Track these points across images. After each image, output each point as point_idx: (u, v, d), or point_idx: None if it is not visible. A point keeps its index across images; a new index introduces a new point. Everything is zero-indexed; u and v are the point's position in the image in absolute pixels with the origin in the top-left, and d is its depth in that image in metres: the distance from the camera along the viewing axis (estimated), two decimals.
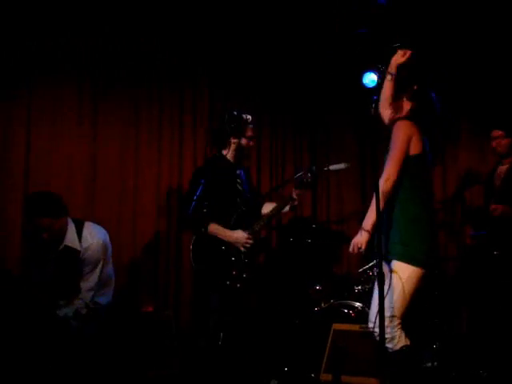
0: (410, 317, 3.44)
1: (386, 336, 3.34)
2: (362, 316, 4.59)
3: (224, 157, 4.58)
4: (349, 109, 6.38)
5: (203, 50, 5.77)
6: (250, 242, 4.43)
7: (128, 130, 5.45)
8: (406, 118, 3.52)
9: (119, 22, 5.30)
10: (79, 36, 5.20)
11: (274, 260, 5.89)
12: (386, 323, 3.32)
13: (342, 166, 5.06)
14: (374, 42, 5.51)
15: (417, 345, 3.47)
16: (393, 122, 3.55)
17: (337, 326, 4.42)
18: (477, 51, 5.58)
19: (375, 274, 4.78)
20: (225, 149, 4.56)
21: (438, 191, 5.67)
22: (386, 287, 3.35)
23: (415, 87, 3.61)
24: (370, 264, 4.92)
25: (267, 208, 4.67)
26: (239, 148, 4.54)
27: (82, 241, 4.07)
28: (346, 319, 4.64)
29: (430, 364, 4.14)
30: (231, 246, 4.43)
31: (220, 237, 4.40)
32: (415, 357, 3.44)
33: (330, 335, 4.39)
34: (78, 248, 4.04)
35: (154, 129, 5.59)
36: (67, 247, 4.04)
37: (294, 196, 4.54)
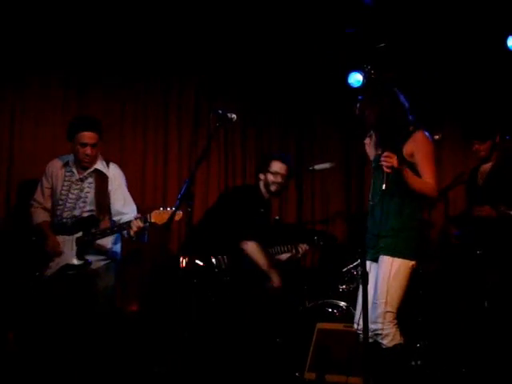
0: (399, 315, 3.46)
1: (381, 332, 3.36)
2: (346, 315, 4.61)
3: None
4: (334, 109, 6.40)
5: (190, 49, 5.75)
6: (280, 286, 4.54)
7: (113, 127, 5.43)
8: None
9: (105, 20, 5.27)
10: (65, 32, 5.15)
11: None
12: (381, 319, 3.36)
13: (327, 165, 5.08)
14: (360, 42, 5.53)
15: (409, 343, 3.49)
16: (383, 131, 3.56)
17: (321, 325, 4.44)
18: (459, 52, 5.62)
19: (360, 273, 4.83)
20: None
21: None
22: (373, 284, 3.39)
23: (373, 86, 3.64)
24: (355, 263, 4.94)
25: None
26: None
27: (110, 169, 4.29)
28: (331, 318, 4.66)
29: (414, 362, 4.16)
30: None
31: (259, 262, 4.54)
32: (406, 356, 3.45)
33: (315, 334, 4.40)
34: (107, 173, 4.26)
35: (139, 127, 5.58)
36: (98, 170, 4.23)
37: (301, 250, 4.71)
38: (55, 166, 4.30)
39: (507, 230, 4.56)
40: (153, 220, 3.97)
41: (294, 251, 4.67)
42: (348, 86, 5.72)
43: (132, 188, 5.38)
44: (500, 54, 5.26)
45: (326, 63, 6.04)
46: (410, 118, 3.56)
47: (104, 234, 4.13)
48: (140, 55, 5.55)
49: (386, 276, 3.39)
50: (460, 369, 4.36)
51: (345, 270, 5.05)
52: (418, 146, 3.47)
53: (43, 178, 4.31)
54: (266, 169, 4.69)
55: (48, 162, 4.43)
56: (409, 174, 3.40)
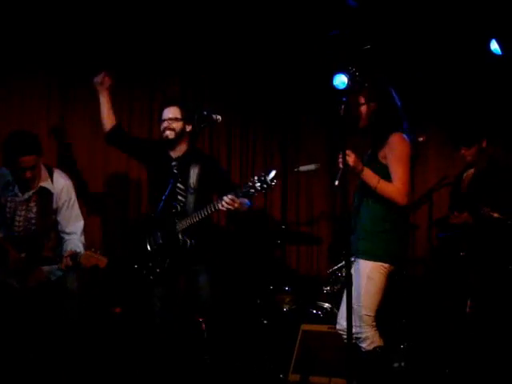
0: (379, 317, 3.46)
1: (360, 335, 3.36)
2: (331, 316, 4.62)
3: None
4: (319, 110, 6.42)
5: (175, 49, 5.73)
6: None
7: (97, 129, 5.39)
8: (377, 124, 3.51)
9: (89, 20, 5.23)
10: (50, 32, 5.10)
11: (241, 260, 5.89)
12: (359, 323, 3.35)
13: (312, 166, 5.07)
14: (345, 44, 5.55)
15: (388, 346, 3.49)
16: (374, 131, 3.54)
17: (305, 327, 4.44)
18: (444, 54, 5.65)
19: (344, 274, 4.85)
20: None
21: None
22: (354, 287, 3.38)
23: (366, 84, 3.60)
24: (339, 265, 4.95)
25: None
26: None
27: (54, 182, 4.06)
28: (315, 320, 4.66)
29: (397, 364, 4.17)
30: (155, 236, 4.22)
31: None
32: (386, 358, 3.45)
33: (299, 335, 4.40)
34: (52, 190, 4.04)
35: (124, 127, 5.53)
36: (42, 188, 4.02)
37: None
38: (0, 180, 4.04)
39: (490, 233, 4.60)
40: (82, 262, 3.79)
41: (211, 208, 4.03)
42: (333, 88, 5.73)
43: (116, 191, 5.41)
44: (483, 56, 5.29)
45: (311, 65, 6.04)
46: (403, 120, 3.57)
47: (42, 263, 3.98)
48: (124, 55, 5.50)
49: (361, 279, 3.37)
50: (443, 370, 4.38)
51: (329, 271, 5.06)
52: (391, 147, 3.45)
53: None
54: (159, 118, 4.34)
55: None
56: (367, 177, 3.39)
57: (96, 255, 3.79)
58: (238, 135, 6.24)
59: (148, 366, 4.41)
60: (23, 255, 3.94)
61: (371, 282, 3.38)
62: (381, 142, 3.50)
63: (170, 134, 4.20)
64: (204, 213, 4.03)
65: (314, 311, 4.80)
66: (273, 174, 3.77)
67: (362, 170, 3.38)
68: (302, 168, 5.06)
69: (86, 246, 4.09)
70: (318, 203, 6.57)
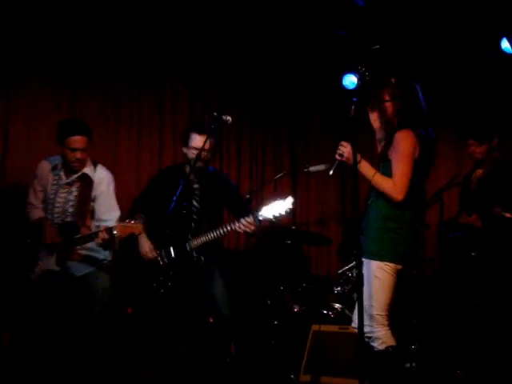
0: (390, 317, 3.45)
1: (371, 335, 3.34)
2: (342, 317, 4.61)
3: None
4: (329, 110, 6.41)
5: (184, 51, 5.75)
6: (152, 256, 4.30)
7: (107, 131, 5.42)
8: (400, 122, 3.47)
9: (99, 21, 5.26)
10: (59, 33, 5.14)
11: (252, 261, 5.90)
12: (370, 322, 3.33)
13: (322, 167, 5.07)
14: (354, 44, 5.53)
15: (401, 346, 3.47)
16: (387, 129, 3.50)
17: (316, 327, 4.43)
18: (454, 53, 5.63)
19: (354, 275, 4.84)
20: None
21: None
22: (364, 287, 3.38)
23: (393, 79, 3.57)
24: (350, 265, 4.95)
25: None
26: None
27: (96, 172, 4.27)
28: (326, 320, 4.66)
29: (408, 365, 4.16)
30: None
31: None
32: (399, 358, 3.43)
33: (310, 336, 4.39)
34: (93, 178, 4.24)
35: (134, 129, 5.57)
36: (85, 174, 4.21)
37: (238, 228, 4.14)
38: (44, 169, 4.27)
39: (502, 233, 4.57)
40: (117, 233, 3.96)
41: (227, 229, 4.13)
42: (343, 88, 5.72)
43: (126, 191, 5.43)
44: (494, 55, 5.27)
45: (321, 65, 6.04)
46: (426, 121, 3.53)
47: (79, 242, 4.11)
48: (134, 56, 5.54)
49: (368, 279, 3.35)
50: (454, 371, 4.36)
51: (340, 271, 5.06)
52: (394, 144, 3.40)
53: (34, 181, 4.28)
54: (186, 142, 4.36)
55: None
56: (364, 169, 3.36)
57: (129, 224, 3.97)
58: (248, 136, 6.25)
59: (160, 366, 4.44)
60: (61, 239, 4.09)
61: (378, 282, 3.36)
62: (390, 139, 3.47)
63: (200, 164, 4.22)
64: (219, 232, 4.16)
65: (325, 311, 4.79)
66: (290, 202, 3.89)
67: (359, 162, 3.35)
68: (312, 168, 5.06)
69: None
70: (328, 204, 6.56)
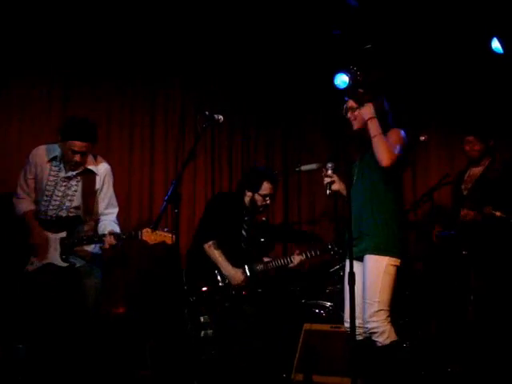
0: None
1: (377, 330, 3.40)
2: (333, 316, 4.62)
3: None
4: (321, 109, 6.42)
5: (176, 50, 5.74)
6: (243, 285, 4.52)
7: (99, 127, 5.38)
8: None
9: (91, 22, 5.25)
10: (52, 32, 5.12)
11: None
12: (376, 318, 3.40)
13: (313, 166, 5.07)
14: (346, 43, 5.55)
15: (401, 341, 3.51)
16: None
17: (308, 326, 4.44)
18: (445, 54, 5.65)
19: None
20: None
21: (408, 192, 5.73)
22: (361, 283, 3.42)
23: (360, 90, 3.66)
24: (341, 264, 4.95)
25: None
26: None
27: (98, 165, 4.21)
28: (317, 319, 4.66)
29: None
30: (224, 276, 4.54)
31: (219, 265, 4.47)
32: (403, 352, 3.47)
33: (302, 335, 4.40)
34: (96, 171, 4.17)
35: (126, 127, 5.56)
36: (87, 169, 4.14)
37: (295, 261, 4.59)
38: (40, 156, 4.12)
39: (492, 232, 4.60)
40: (144, 238, 3.92)
41: (285, 261, 4.60)
42: (334, 88, 5.73)
43: (118, 188, 5.41)
44: (485, 55, 5.30)
45: (313, 65, 6.05)
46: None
47: (88, 241, 4.08)
48: (126, 55, 5.53)
49: (377, 275, 3.43)
50: (445, 368, 4.38)
51: (332, 270, 5.06)
52: (389, 134, 3.52)
53: (27, 168, 4.14)
54: (256, 188, 4.60)
55: None
56: (373, 126, 3.47)
57: (159, 232, 3.90)
58: (240, 135, 6.25)
59: (154, 365, 4.44)
60: (64, 234, 4.03)
61: (389, 278, 3.43)
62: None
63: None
64: (279, 263, 4.62)
65: (317, 310, 4.80)
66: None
67: (371, 119, 3.48)
68: (304, 167, 5.05)
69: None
70: (319, 203, 6.57)
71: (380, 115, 3.54)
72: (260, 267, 4.60)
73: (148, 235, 3.91)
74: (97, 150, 5.27)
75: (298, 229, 6.06)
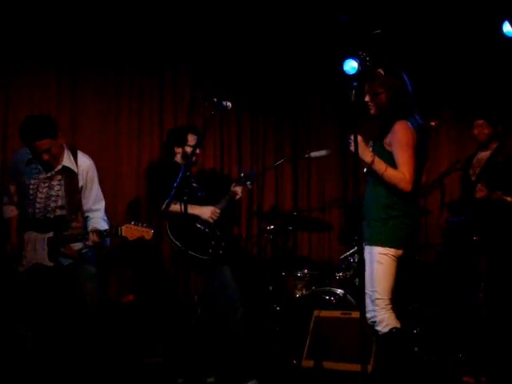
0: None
1: (375, 319, 3.41)
2: (343, 302, 4.62)
3: None
4: (330, 96, 6.39)
5: (184, 38, 5.72)
6: (217, 212, 4.54)
7: (108, 114, 5.41)
8: (394, 113, 3.52)
9: (100, 10, 5.23)
10: (60, 21, 5.11)
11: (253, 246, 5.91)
12: (372, 307, 3.40)
13: (323, 152, 5.07)
14: (355, 29, 5.50)
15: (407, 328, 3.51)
16: (384, 118, 3.55)
17: (318, 313, 4.45)
18: (455, 38, 5.60)
19: (356, 260, 4.84)
20: None
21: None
22: (366, 273, 3.41)
23: (381, 70, 3.58)
24: (351, 251, 4.95)
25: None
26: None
27: (78, 162, 4.13)
28: (328, 306, 4.67)
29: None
30: (202, 222, 4.53)
31: (186, 212, 4.30)
32: (404, 339, 3.46)
33: (312, 322, 4.41)
34: (75, 169, 4.10)
35: (134, 113, 5.55)
36: (65, 167, 4.08)
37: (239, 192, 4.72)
38: (20, 161, 4.09)
39: (503, 217, 4.58)
40: (124, 234, 3.89)
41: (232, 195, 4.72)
42: (343, 73, 5.70)
43: (127, 176, 5.44)
44: (497, 39, 5.24)
45: (322, 50, 6.01)
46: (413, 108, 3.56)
47: (73, 240, 4.05)
48: (134, 43, 5.51)
49: (371, 265, 3.44)
50: (457, 355, 4.37)
51: (342, 257, 5.06)
52: (393, 135, 3.48)
53: (9, 173, 4.19)
54: (183, 142, 4.72)
55: None
56: (378, 166, 3.44)
57: (139, 227, 3.89)
58: (248, 122, 6.23)
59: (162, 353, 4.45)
60: (51, 234, 4.02)
61: (380, 267, 3.43)
62: (386, 129, 3.52)
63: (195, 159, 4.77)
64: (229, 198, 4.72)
65: (327, 297, 4.80)
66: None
67: (373, 161, 3.43)
68: (313, 154, 5.06)
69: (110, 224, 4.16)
70: (329, 189, 6.56)
71: (398, 95, 3.51)
72: (222, 204, 4.63)
73: (128, 231, 3.88)
74: (107, 136, 5.34)
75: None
